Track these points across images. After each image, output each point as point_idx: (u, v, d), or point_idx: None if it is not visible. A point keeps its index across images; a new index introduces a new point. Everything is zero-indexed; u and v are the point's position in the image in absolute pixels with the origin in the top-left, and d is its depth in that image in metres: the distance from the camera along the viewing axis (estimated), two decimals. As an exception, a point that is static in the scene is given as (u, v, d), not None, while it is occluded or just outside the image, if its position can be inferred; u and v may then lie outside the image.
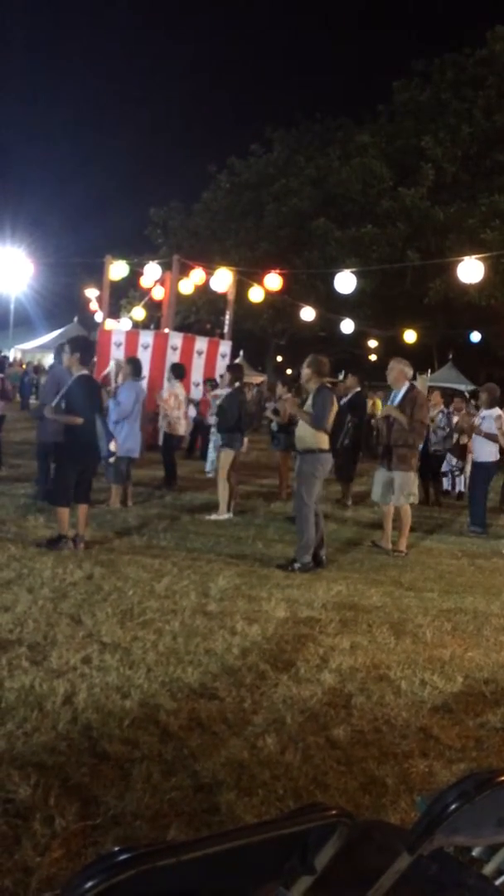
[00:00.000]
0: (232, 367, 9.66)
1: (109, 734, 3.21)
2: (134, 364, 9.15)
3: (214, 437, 9.91)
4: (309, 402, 6.71)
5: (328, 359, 7.13)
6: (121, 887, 1.00)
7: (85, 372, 6.60)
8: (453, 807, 1.36)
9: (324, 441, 6.58)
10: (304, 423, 6.64)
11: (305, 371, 6.83)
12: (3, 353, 28.02)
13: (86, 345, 6.99)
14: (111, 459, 6.81)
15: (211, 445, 11.00)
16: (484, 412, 9.43)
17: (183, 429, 10.66)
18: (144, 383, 11.57)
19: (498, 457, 9.31)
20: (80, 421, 6.37)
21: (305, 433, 6.61)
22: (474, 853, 1.96)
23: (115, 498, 8.52)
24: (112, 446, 6.55)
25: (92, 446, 6.47)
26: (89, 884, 0.99)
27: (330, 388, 6.87)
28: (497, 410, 9.21)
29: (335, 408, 6.74)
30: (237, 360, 24.65)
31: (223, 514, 8.48)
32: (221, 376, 11.90)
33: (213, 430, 10.25)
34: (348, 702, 3.79)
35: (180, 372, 10.70)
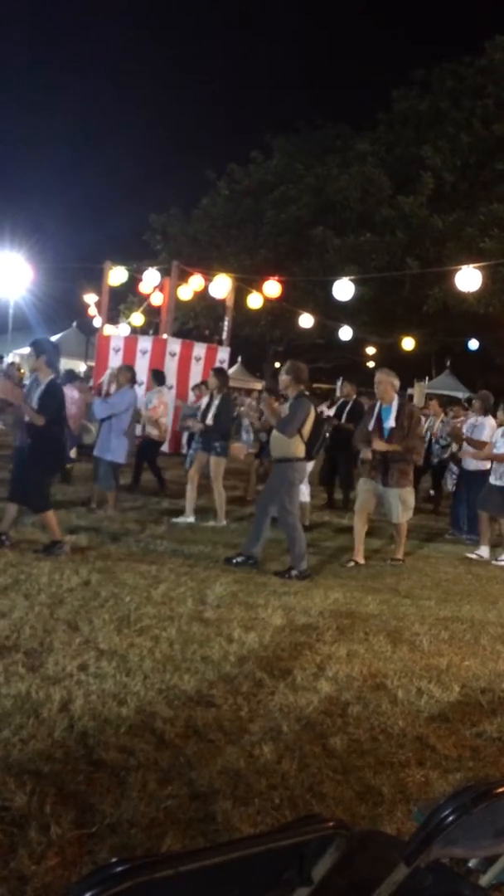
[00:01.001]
0: (217, 372, 9.31)
1: (105, 742, 3.20)
2: (130, 371, 9.20)
3: (196, 442, 9.86)
4: (286, 409, 6.74)
5: (307, 365, 7.08)
6: (118, 899, 1.00)
7: (53, 376, 6.57)
8: (450, 818, 1.36)
9: (299, 449, 6.55)
10: (276, 431, 6.66)
11: (283, 378, 6.78)
12: (6, 360, 27.97)
13: (51, 347, 6.82)
14: (68, 465, 6.82)
15: (192, 450, 10.97)
16: (477, 419, 9.44)
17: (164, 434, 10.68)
18: (142, 390, 11.59)
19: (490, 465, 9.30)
20: (41, 421, 6.24)
21: (280, 442, 6.61)
22: (471, 864, 1.96)
23: (112, 503, 8.53)
24: (73, 453, 6.56)
25: (64, 452, 6.58)
26: (86, 895, 0.99)
27: (308, 396, 6.80)
28: (491, 419, 9.21)
29: (311, 417, 6.58)
30: (235, 367, 24.60)
31: (221, 522, 8.51)
32: (204, 383, 11.84)
33: (196, 435, 10.21)
34: (345, 710, 3.78)
35: (162, 378, 10.84)
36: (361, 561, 7.33)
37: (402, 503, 7.36)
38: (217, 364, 15.24)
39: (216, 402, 8.63)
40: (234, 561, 6.62)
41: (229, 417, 8.69)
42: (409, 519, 7.71)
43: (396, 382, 7.51)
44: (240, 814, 2.78)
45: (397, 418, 7.26)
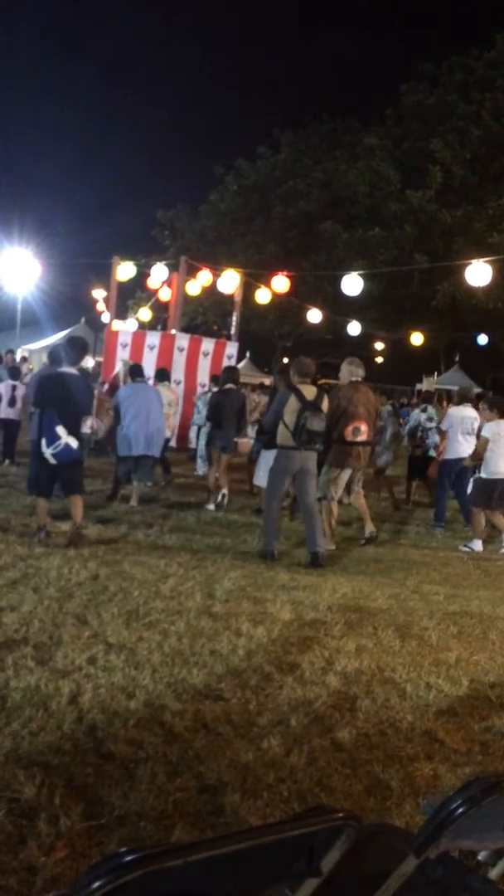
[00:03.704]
0: (225, 369, 10.25)
1: (114, 734, 3.21)
2: (131, 368, 9.51)
3: (202, 438, 10.32)
4: None
5: (316, 360, 7.56)
6: (127, 888, 1.00)
7: (67, 370, 6.72)
8: (460, 811, 1.36)
9: (283, 437, 6.77)
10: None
11: (291, 373, 7.17)
12: (16, 359, 28.01)
13: (75, 344, 7.12)
14: (49, 459, 6.63)
15: (200, 444, 11.27)
16: (448, 412, 9.78)
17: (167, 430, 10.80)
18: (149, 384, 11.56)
19: (461, 454, 9.28)
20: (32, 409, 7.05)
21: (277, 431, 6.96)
22: (480, 857, 1.95)
23: (134, 496, 8.74)
24: (42, 445, 6.52)
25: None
26: (96, 884, 0.99)
27: (295, 388, 6.81)
28: (455, 410, 9.46)
29: (290, 405, 6.71)
30: (243, 362, 24.65)
31: (210, 505, 9.00)
32: (215, 377, 12.20)
33: (201, 431, 10.60)
34: (353, 704, 3.78)
35: (163, 375, 11.08)
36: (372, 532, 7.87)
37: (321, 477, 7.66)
38: (225, 359, 15.26)
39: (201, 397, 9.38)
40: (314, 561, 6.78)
41: (211, 412, 9.20)
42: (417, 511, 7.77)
43: (357, 371, 7.91)
44: (248, 807, 2.78)
45: None
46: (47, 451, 6.45)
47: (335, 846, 1.26)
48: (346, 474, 7.67)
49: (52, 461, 6.52)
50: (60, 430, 6.44)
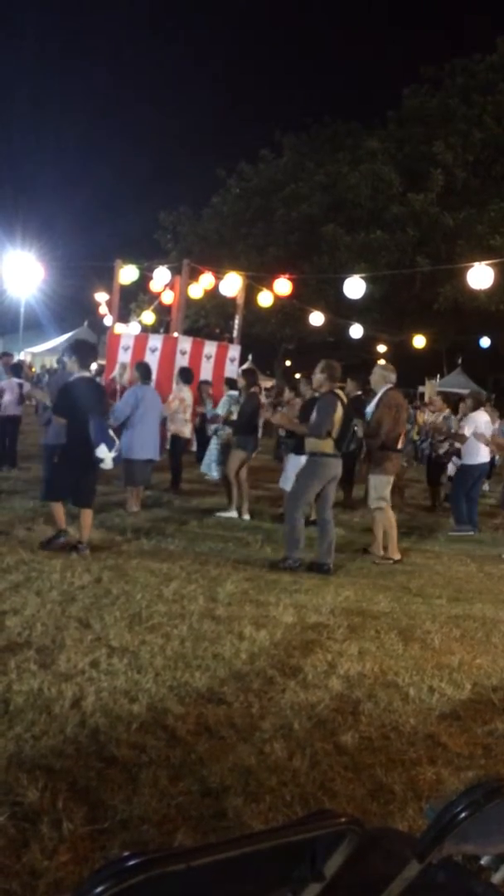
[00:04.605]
0: (246, 372, 10.00)
1: (117, 738, 3.21)
2: (141, 369, 9.25)
3: (215, 441, 10.02)
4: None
5: (340, 363, 7.18)
6: (130, 892, 1.00)
7: (83, 374, 6.66)
8: (463, 815, 1.36)
9: (326, 445, 6.59)
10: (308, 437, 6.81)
11: (318, 377, 6.91)
12: (17, 358, 28.02)
13: (83, 348, 7.05)
14: (103, 465, 6.53)
15: (211, 448, 11.09)
16: (469, 416, 9.69)
17: (189, 432, 10.70)
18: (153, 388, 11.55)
19: (481, 460, 9.30)
20: (62, 421, 6.60)
21: (308, 438, 6.76)
22: (483, 862, 1.95)
23: (132, 501, 8.63)
24: (100, 452, 6.37)
25: (87, 449, 6.41)
26: (99, 888, 0.99)
27: (336, 394, 6.81)
28: (477, 415, 9.42)
29: (339, 413, 6.61)
30: (246, 364, 24.68)
31: (230, 512, 8.82)
32: (229, 380, 12.08)
33: (215, 434, 10.38)
34: (356, 708, 3.78)
35: (188, 376, 10.82)
36: (378, 552, 7.52)
37: (373, 489, 7.54)
38: (227, 362, 15.26)
39: (223, 400, 9.12)
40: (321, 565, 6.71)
41: (247, 415, 9.03)
42: (420, 515, 7.75)
43: (390, 375, 7.81)
44: (251, 810, 2.78)
45: (376, 405, 7.60)
46: (109, 456, 6.39)
47: (338, 851, 1.26)
48: (391, 481, 7.66)
49: (110, 465, 6.52)
50: (112, 433, 6.50)
